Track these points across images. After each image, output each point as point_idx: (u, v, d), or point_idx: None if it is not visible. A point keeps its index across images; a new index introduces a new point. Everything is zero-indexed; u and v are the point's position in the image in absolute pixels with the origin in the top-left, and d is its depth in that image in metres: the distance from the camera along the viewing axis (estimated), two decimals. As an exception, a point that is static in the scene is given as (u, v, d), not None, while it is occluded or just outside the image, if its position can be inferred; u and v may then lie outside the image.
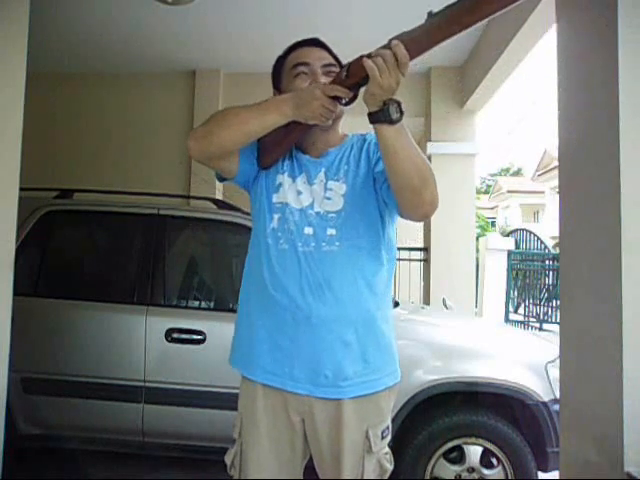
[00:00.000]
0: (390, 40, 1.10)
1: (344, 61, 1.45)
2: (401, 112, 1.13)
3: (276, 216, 1.34)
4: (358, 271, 1.30)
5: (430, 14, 1.08)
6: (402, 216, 1.31)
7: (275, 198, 1.36)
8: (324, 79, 1.33)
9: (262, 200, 1.38)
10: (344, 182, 1.33)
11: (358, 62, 1.16)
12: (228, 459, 1.37)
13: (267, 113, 1.25)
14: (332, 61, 1.38)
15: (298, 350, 1.28)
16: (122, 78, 5.34)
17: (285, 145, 1.35)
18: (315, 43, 1.40)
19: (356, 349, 1.29)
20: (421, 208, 1.22)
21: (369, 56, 1.12)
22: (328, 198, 1.33)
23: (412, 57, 1.09)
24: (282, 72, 1.41)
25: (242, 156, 1.36)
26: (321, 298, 1.27)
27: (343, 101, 1.26)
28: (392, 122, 1.13)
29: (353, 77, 1.19)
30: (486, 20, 1.05)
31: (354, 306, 1.29)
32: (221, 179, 1.44)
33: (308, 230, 1.31)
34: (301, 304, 1.27)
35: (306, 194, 1.34)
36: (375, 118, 1.14)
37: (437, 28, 1.07)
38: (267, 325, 1.32)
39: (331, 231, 1.30)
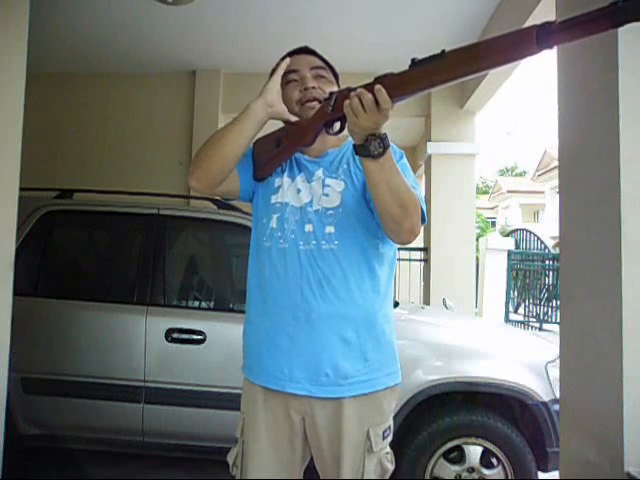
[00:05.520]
0: (375, 79, 1.11)
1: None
2: (384, 147, 1.13)
3: (275, 216, 1.36)
4: (358, 269, 1.31)
5: (413, 61, 1.08)
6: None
7: (274, 199, 1.38)
8: (313, 82, 1.37)
9: (261, 203, 1.41)
10: (342, 180, 1.35)
11: (343, 96, 1.17)
12: (230, 458, 1.38)
13: (241, 119, 1.30)
14: (321, 64, 1.42)
15: (297, 349, 1.29)
16: (122, 78, 5.34)
17: (278, 160, 1.39)
18: (303, 51, 1.44)
19: (356, 347, 1.29)
20: (400, 235, 1.24)
21: (355, 90, 1.12)
22: (326, 194, 1.34)
23: (395, 101, 1.09)
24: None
25: (241, 175, 1.40)
26: (321, 296, 1.28)
27: (332, 131, 1.29)
28: (373, 157, 1.13)
29: (338, 111, 1.20)
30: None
31: (354, 304, 1.29)
32: (227, 199, 1.50)
33: (308, 227, 1.32)
34: (301, 302, 1.28)
35: (305, 192, 1.36)
36: (357, 151, 1.16)
37: (419, 78, 1.07)
38: (267, 326, 1.33)
39: (330, 228, 1.30)
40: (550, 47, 0.93)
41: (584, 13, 0.89)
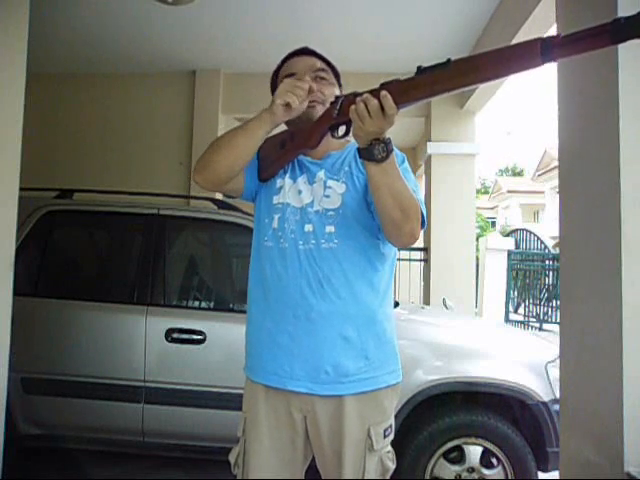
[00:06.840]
0: (381, 85, 1.12)
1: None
2: (387, 152, 1.14)
3: (276, 216, 1.37)
4: (358, 268, 1.31)
5: (419, 69, 1.10)
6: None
7: (275, 200, 1.39)
8: (313, 85, 1.36)
9: (263, 204, 1.42)
10: (343, 182, 1.36)
11: (349, 101, 1.18)
12: (232, 458, 1.39)
13: (250, 125, 1.31)
14: (321, 66, 1.42)
15: (298, 347, 1.29)
16: (122, 78, 5.34)
17: (282, 161, 1.40)
18: (304, 52, 1.44)
19: (357, 345, 1.30)
20: (400, 239, 1.25)
21: (361, 95, 1.13)
22: (327, 196, 1.35)
23: (399, 107, 1.10)
24: (277, 85, 1.45)
25: (247, 175, 1.41)
26: (321, 294, 1.28)
27: (337, 134, 1.30)
28: (376, 161, 1.15)
29: (343, 115, 1.22)
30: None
31: (354, 302, 1.30)
32: (229, 196, 1.50)
33: (308, 227, 1.33)
34: (301, 301, 1.29)
35: (306, 193, 1.37)
36: (360, 154, 1.17)
37: (424, 86, 1.09)
38: (268, 325, 1.33)
39: (330, 228, 1.31)
40: (553, 60, 0.96)
41: (587, 28, 0.91)
